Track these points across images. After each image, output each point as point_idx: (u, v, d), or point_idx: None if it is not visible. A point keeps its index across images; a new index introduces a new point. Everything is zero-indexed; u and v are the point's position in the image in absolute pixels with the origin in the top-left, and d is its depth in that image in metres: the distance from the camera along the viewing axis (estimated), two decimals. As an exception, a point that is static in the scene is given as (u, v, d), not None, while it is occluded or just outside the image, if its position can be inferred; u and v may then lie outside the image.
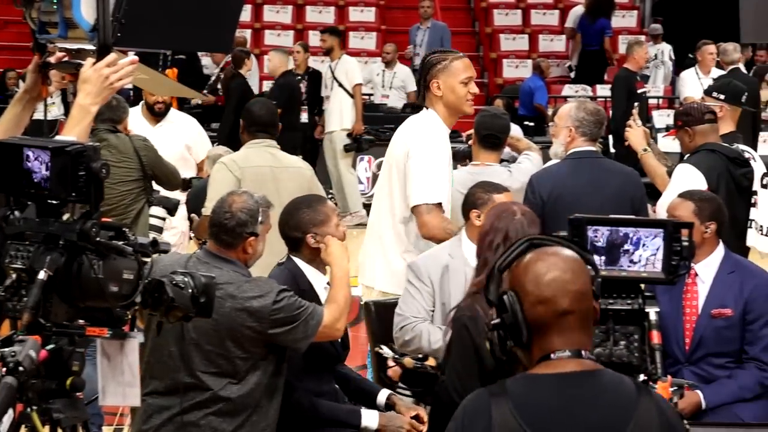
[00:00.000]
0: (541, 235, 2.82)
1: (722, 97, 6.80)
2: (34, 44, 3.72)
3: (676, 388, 3.04)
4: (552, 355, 2.66)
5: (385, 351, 4.63)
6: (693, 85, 14.40)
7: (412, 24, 16.94)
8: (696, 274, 4.94)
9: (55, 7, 3.60)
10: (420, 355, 4.77)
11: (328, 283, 4.90)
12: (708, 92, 6.95)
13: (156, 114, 8.08)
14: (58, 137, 3.43)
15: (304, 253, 4.87)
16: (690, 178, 6.16)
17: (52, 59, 3.69)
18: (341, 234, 4.89)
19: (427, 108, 5.55)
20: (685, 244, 2.98)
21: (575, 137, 6.06)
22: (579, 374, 2.63)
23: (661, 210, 5.99)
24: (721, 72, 14.76)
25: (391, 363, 4.76)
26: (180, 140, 8.06)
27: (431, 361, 4.74)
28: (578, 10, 17.69)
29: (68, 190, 3.16)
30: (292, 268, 4.87)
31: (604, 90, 16.49)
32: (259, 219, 4.62)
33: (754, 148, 8.75)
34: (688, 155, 6.41)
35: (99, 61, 3.55)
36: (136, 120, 7.92)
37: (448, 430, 2.71)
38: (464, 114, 5.64)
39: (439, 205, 5.47)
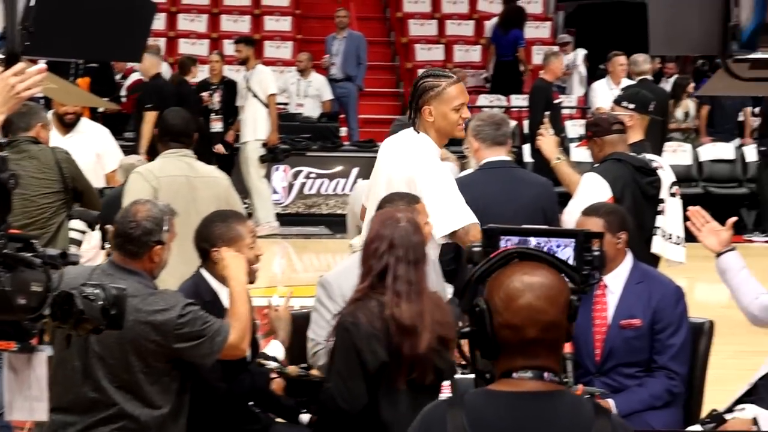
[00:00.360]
0: (527, 248, 2.78)
1: (631, 106, 6.91)
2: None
3: (587, 396, 3.07)
4: (514, 374, 2.65)
5: (269, 363, 4.57)
6: (604, 95, 14.59)
7: (328, 33, 16.94)
8: (605, 286, 4.97)
9: (-39, 14, 3.55)
10: (304, 365, 4.71)
11: None
12: (617, 101, 7.05)
13: (66, 124, 7.99)
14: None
15: (210, 266, 4.83)
16: (595, 187, 6.26)
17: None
18: (251, 256, 4.80)
19: (417, 131, 5.37)
20: (596, 254, 3.00)
21: (479, 146, 6.17)
22: (536, 394, 2.63)
23: (568, 218, 6.07)
24: (631, 82, 14.97)
25: (273, 375, 4.71)
26: (91, 150, 7.96)
27: (315, 371, 4.72)
28: (494, 22, 17.80)
29: (-25, 201, 3.10)
30: (197, 279, 4.83)
31: (519, 100, 16.64)
32: (164, 227, 4.57)
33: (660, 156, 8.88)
34: (596, 164, 6.51)
35: (6, 70, 3.49)
36: None
37: None
38: (455, 138, 5.49)
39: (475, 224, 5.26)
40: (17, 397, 3.17)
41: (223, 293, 4.80)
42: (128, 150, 9.45)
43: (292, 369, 4.51)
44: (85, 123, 8.25)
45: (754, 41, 3.12)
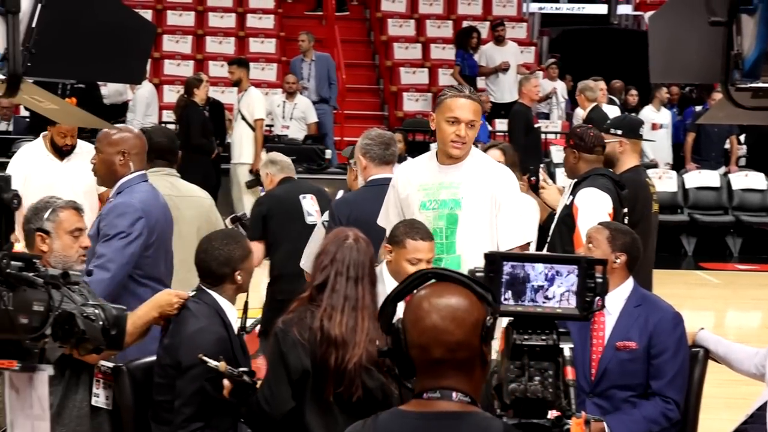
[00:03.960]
0: (442, 269, 2.82)
1: (619, 132, 6.97)
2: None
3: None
4: (424, 395, 2.69)
5: (210, 362, 4.50)
6: (582, 119, 14.64)
7: (298, 56, 16.94)
8: (604, 306, 4.99)
9: (-37, 35, 3.53)
10: (244, 369, 4.61)
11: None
12: (605, 130, 7.11)
13: (62, 153, 7.80)
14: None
15: (227, 288, 4.81)
16: (596, 199, 6.47)
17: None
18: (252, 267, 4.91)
19: None
20: (599, 280, 3.01)
21: (367, 164, 6.27)
22: (442, 414, 2.66)
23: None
24: (614, 107, 15.03)
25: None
26: (88, 171, 7.81)
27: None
28: (487, 48, 17.82)
29: (-23, 220, 3.10)
30: (212, 303, 4.79)
31: (501, 125, 16.68)
32: (45, 215, 4.69)
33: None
34: (583, 180, 6.63)
35: (9, 90, 3.48)
36: (40, 156, 7.67)
37: None
38: (450, 155, 5.36)
39: None
40: (18, 416, 3.16)
41: (231, 317, 4.81)
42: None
43: (222, 365, 4.49)
44: (79, 144, 8.07)
45: (757, 70, 3.15)
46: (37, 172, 7.48)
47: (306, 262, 6.18)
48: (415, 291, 2.76)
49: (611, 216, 6.42)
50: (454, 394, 2.65)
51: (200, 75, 14.70)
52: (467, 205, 5.30)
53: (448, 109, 5.28)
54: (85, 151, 7.93)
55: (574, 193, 6.63)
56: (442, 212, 5.34)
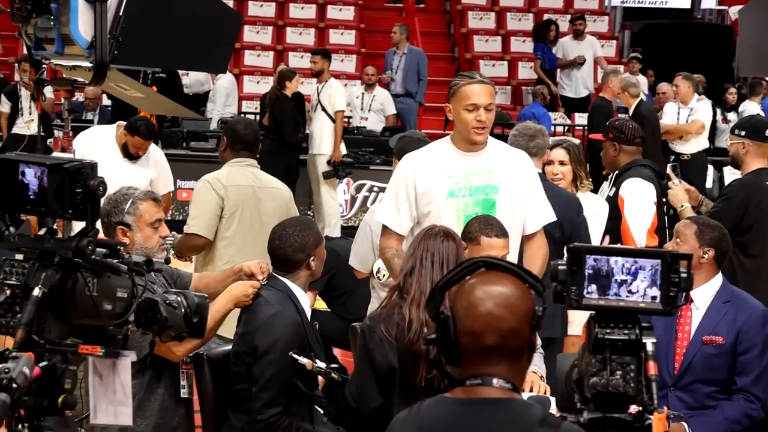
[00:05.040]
0: (491, 258, 2.84)
1: (742, 133, 6.83)
2: (30, 60, 3.71)
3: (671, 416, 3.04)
4: (467, 382, 2.73)
5: (301, 359, 4.56)
6: (672, 115, 14.45)
7: (391, 48, 16.96)
8: (691, 300, 4.95)
9: (52, 23, 3.58)
10: (335, 365, 4.68)
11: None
12: (731, 131, 7.05)
13: (131, 157, 7.87)
14: (54, 154, 3.41)
15: (301, 274, 4.88)
16: (641, 189, 6.60)
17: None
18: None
19: None
20: (684, 275, 2.96)
21: None
22: (480, 401, 2.70)
23: (632, 223, 6.46)
24: (704, 99, 14.78)
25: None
26: (145, 175, 7.86)
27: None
28: (565, 41, 17.68)
29: (65, 206, 3.14)
30: (284, 289, 4.86)
31: (582, 119, 16.57)
32: (125, 208, 4.68)
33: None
34: (625, 171, 6.75)
35: (96, 78, 3.53)
36: (107, 146, 7.76)
37: None
38: (473, 141, 5.33)
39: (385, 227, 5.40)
40: (102, 402, 3.21)
41: (305, 303, 4.87)
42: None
43: (308, 362, 4.54)
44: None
45: None
46: (98, 160, 7.54)
47: (354, 260, 6.18)
48: (466, 279, 2.79)
49: (656, 205, 6.58)
50: (495, 381, 2.70)
51: (293, 69, 14.70)
52: (505, 189, 5.33)
53: (465, 97, 5.28)
54: (150, 152, 7.98)
55: (617, 184, 6.72)
56: (477, 198, 5.33)
